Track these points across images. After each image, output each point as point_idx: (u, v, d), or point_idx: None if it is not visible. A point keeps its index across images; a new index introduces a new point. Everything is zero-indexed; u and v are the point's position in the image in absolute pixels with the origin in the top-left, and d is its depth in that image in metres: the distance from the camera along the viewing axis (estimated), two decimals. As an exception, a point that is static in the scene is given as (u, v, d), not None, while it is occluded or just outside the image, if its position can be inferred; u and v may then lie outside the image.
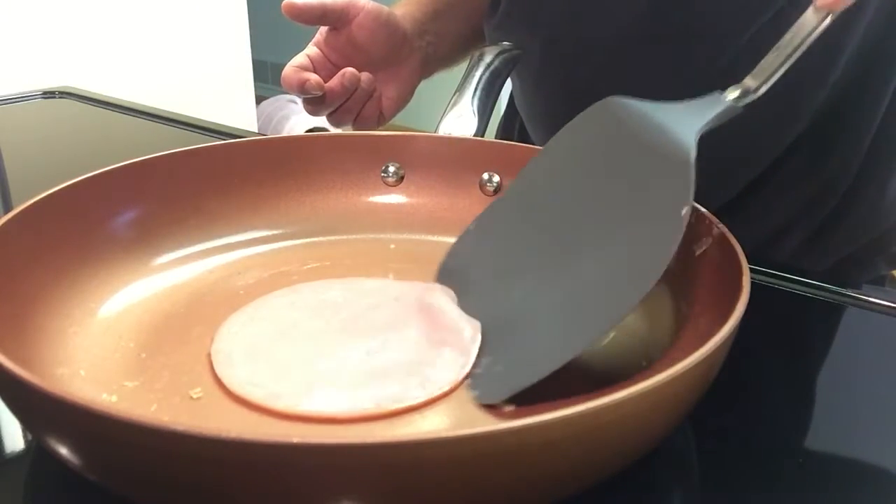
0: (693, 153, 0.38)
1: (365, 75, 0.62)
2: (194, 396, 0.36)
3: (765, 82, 0.41)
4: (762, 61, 0.42)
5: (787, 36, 0.41)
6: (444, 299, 0.43)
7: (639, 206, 0.40)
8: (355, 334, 0.40)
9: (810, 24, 0.40)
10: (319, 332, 0.40)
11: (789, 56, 0.41)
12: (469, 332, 0.40)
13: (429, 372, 0.37)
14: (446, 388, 0.36)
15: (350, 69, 0.61)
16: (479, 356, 0.38)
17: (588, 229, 0.41)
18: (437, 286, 0.44)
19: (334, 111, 0.63)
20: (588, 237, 0.41)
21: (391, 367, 0.37)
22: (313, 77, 0.60)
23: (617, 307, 0.36)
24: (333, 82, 0.60)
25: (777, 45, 0.41)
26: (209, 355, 0.39)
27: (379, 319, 0.41)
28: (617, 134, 0.43)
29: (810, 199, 0.63)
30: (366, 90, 0.63)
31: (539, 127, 0.72)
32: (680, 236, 0.35)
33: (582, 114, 0.45)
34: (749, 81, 0.42)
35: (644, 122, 0.41)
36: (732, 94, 0.42)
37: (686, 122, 0.40)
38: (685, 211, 0.36)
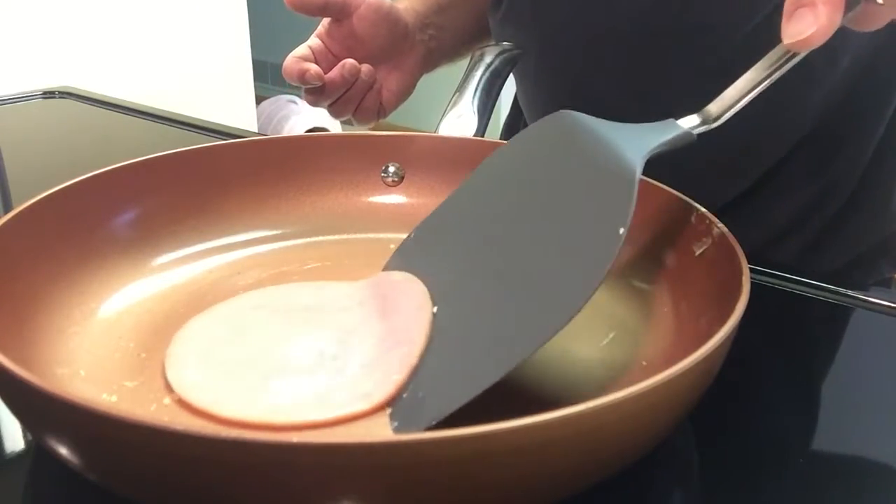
0: (637, 174, 0.37)
1: (365, 67, 0.62)
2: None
3: (725, 111, 0.40)
4: (726, 90, 0.41)
5: (756, 66, 0.40)
6: (406, 300, 0.42)
7: (578, 221, 0.38)
8: (311, 337, 0.39)
9: (778, 57, 0.39)
10: (276, 335, 0.39)
11: (754, 87, 0.40)
12: (413, 342, 0.38)
13: (371, 382, 0.36)
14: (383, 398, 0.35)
15: (350, 60, 0.61)
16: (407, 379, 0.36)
17: (525, 240, 0.40)
18: (403, 279, 0.43)
19: (334, 102, 0.63)
20: (524, 249, 0.40)
21: (344, 371, 0.36)
22: (313, 67, 0.60)
23: (540, 332, 0.34)
24: (333, 73, 0.61)
25: (744, 76, 0.40)
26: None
27: (339, 323, 0.40)
28: (566, 146, 0.42)
29: (815, 200, 0.63)
30: (366, 82, 0.63)
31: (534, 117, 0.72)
32: (613, 258, 0.34)
33: (535, 123, 0.44)
34: (711, 108, 0.41)
35: (594, 138, 0.41)
36: (691, 121, 0.41)
37: (636, 143, 0.39)
38: (622, 231, 0.34)
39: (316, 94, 0.62)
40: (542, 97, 0.70)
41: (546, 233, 0.39)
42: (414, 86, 0.69)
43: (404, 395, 0.35)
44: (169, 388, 0.36)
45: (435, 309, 0.39)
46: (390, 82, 0.66)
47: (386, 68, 0.66)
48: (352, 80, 0.61)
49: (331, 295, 0.43)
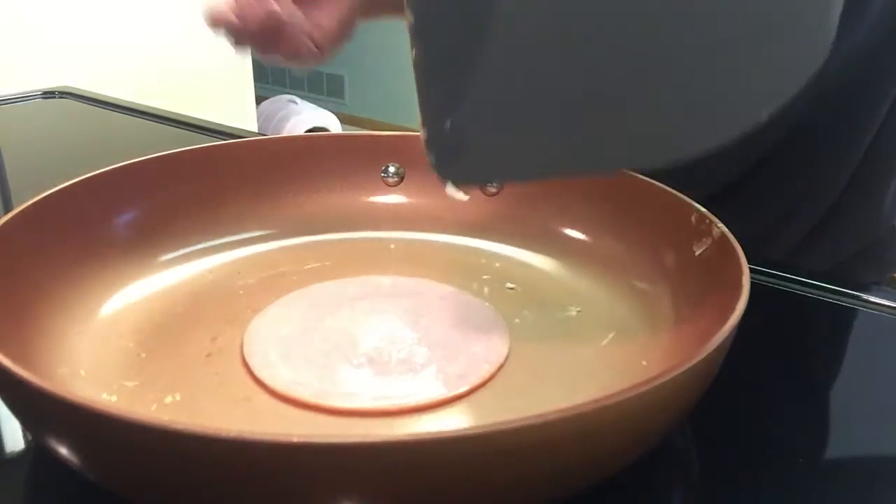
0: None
1: (286, 5, 0.56)
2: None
3: None
4: None
5: None
6: (456, 291, 0.44)
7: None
8: (386, 327, 0.41)
9: None
10: (350, 327, 0.41)
11: None
12: (497, 335, 0.41)
13: (457, 369, 0.37)
14: (474, 384, 0.37)
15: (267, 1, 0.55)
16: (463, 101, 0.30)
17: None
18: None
19: (262, 47, 0.58)
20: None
21: (420, 362, 0.38)
22: (224, 12, 0.55)
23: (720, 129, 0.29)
24: (248, 15, 0.55)
25: None
26: (209, 355, 0.39)
27: (404, 314, 0.42)
28: None
29: (801, 200, 0.63)
30: (286, 22, 0.57)
31: None
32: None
33: None
34: None
35: None
36: None
37: None
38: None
39: (237, 38, 0.56)
40: None
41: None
42: (353, 21, 0.62)
43: (448, 126, 0.30)
44: (170, 388, 0.36)
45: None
46: (321, 18, 0.60)
47: (313, 6, 0.59)
48: (269, 21, 0.55)
49: (387, 285, 0.45)
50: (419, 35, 0.30)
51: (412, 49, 0.31)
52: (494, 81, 0.29)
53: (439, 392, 0.36)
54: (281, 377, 0.37)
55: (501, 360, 0.38)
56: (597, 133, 0.30)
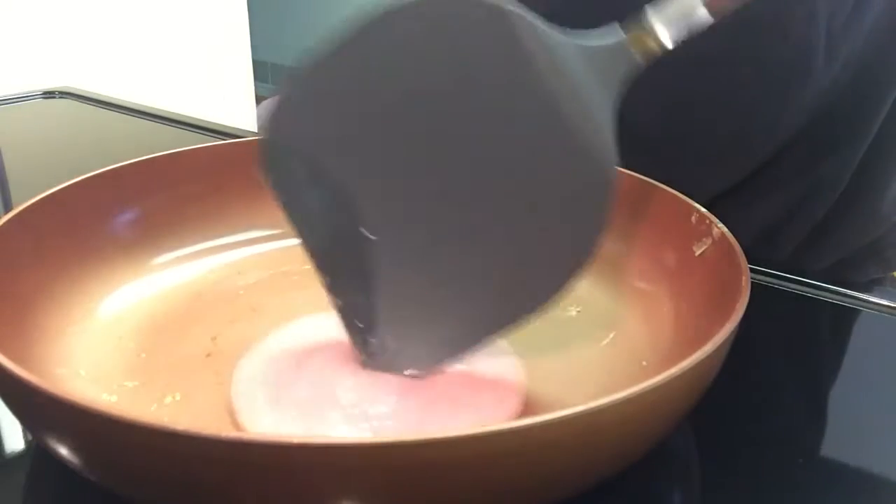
0: (614, 168, 0.33)
1: None
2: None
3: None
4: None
5: None
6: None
7: (545, 192, 0.34)
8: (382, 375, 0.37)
9: None
10: (339, 364, 0.37)
11: None
12: (510, 373, 0.37)
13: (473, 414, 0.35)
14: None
15: None
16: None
17: (481, 188, 0.34)
18: None
19: None
20: (481, 197, 0.34)
21: (418, 418, 0.34)
22: None
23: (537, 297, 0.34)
24: None
25: None
26: (210, 355, 0.39)
27: None
28: (516, 70, 0.32)
29: (803, 199, 0.63)
30: None
31: None
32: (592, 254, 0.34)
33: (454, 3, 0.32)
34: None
35: (560, 69, 0.32)
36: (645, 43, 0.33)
37: (602, 86, 0.33)
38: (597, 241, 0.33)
39: None
40: None
41: (507, 189, 0.34)
42: None
43: (373, 341, 0.36)
44: (170, 388, 0.36)
45: (369, 235, 0.35)
46: None
47: None
48: None
49: None
50: (331, 289, 0.37)
51: (331, 299, 0.37)
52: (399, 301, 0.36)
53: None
54: (264, 426, 0.33)
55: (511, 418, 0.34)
56: (475, 313, 0.36)
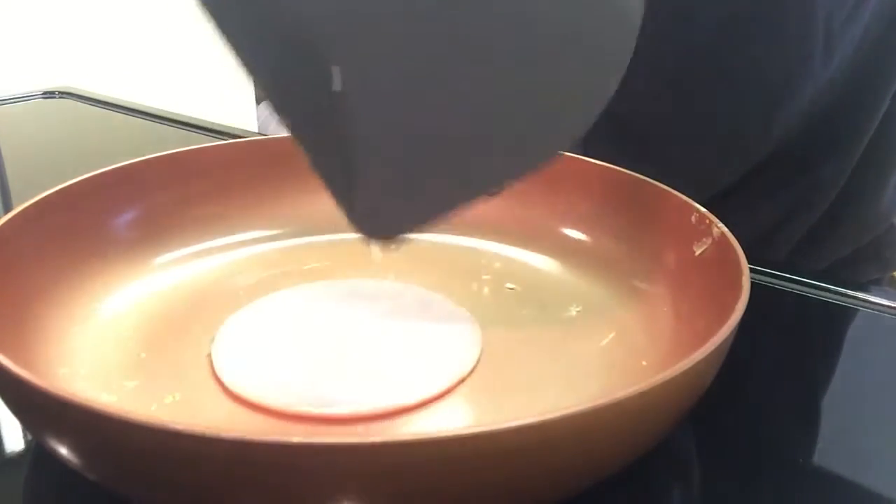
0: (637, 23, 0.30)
1: None
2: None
3: None
4: None
5: None
6: (442, 299, 0.43)
7: (559, 36, 0.31)
8: (355, 331, 0.40)
9: None
10: (320, 331, 0.40)
11: None
12: (468, 332, 0.40)
13: (427, 372, 0.37)
14: (442, 389, 0.36)
15: None
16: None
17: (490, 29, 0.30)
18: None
19: None
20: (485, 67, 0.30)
21: (390, 365, 0.37)
22: None
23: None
24: None
25: None
26: (209, 355, 0.39)
27: (379, 316, 0.41)
28: None
29: (801, 200, 0.63)
30: None
31: None
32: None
33: None
34: None
35: None
36: None
37: None
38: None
39: None
40: None
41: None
42: None
43: (356, 202, 0.33)
44: (170, 388, 0.36)
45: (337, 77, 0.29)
46: None
47: None
48: None
49: (364, 289, 0.45)
50: (297, 140, 0.34)
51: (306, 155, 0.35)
52: (376, 159, 0.32)
53: (392, 402, 0.35)
54: (238, 377, 0.37)
55: (462, 374, 0.37)
56: (467, 166, 0.33)
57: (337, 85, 0.29)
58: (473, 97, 0.31)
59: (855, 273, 0.66)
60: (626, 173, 0.47)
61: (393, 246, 0.35)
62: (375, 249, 0.36)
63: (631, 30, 0.31)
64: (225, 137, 0.78)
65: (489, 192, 0.34)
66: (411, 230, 0.34)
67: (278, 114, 0.33)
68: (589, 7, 0.30)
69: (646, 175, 0.45)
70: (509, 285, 0.46)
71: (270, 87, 0.32)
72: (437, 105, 0.31)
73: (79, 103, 0.94)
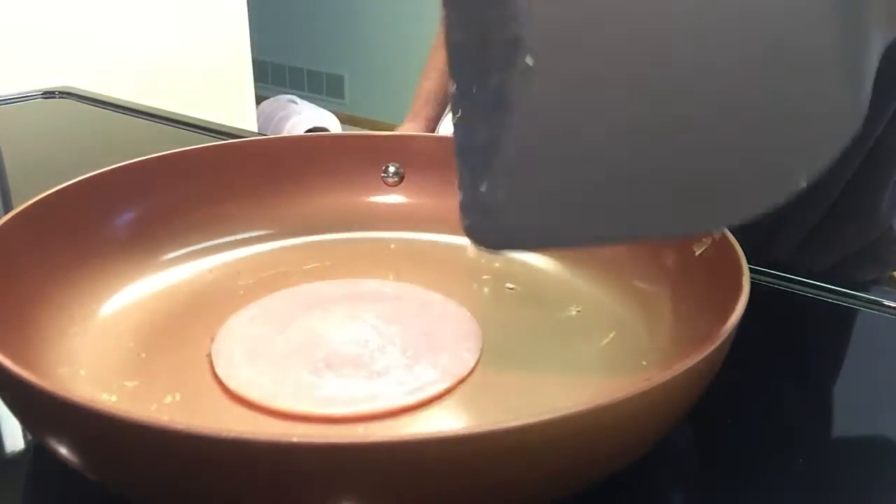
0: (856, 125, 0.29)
1: None
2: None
3: None
4: None
5: None
6: (442, 299, 0.43)
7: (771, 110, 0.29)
8: (355, 331, 0.40)
9: None
10: (319, 330, 0.40)
11: None
12: (468, 332, 0.40)
13: (427, 371, 0.37)
14: (441, 389, 0.36)
15: None
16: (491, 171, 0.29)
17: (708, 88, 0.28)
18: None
19: None
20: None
21: (390, 366, 0.37)
22: None
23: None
24: None
25: None
26: (209, 355, 0.39)
27: (379, 316, 0.41)
28: None
29: (802, 201, 0.63)
30: None
31: None
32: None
33: None
34: None
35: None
36: None
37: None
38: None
39: None
40: None
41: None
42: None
43: (483, 189, 0.29)
44: (170, 388, 0.36)
45: (530, 61, 0.28)
46: None
47: None
48: None
49: (365, 289, 0.45)
50: (459, 101, 0.30)
51: (454, 113, 0.31)
52: (532, 150, 0.29)
53: (391, 402, 0.35)
54: (238, 377, 0.37)
55: (463, 373, 0.37)
56: (634, 202, 0.30)
57: (530, 60, 0.27)
58: (663, 133, 0.28)
59: (854, 273, 0.66)
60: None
61: (492, 253, 0.31)
62: (472, 248, 0.32)
63: (845, 127, 0.30)
64: (225, 137, 0.78)
65: (648, 237, 0.31)
66: (521, 246, 0.31)
67: (452, 75, 0.30)
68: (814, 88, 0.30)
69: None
70: (509, 285, 0.46)
71: (457, 49, 0.30)
72: (624, 128, 0.28)
73: (79, 103, 0.94)
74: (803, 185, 0.30)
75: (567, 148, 0.29)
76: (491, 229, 0.30)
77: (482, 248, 0.31)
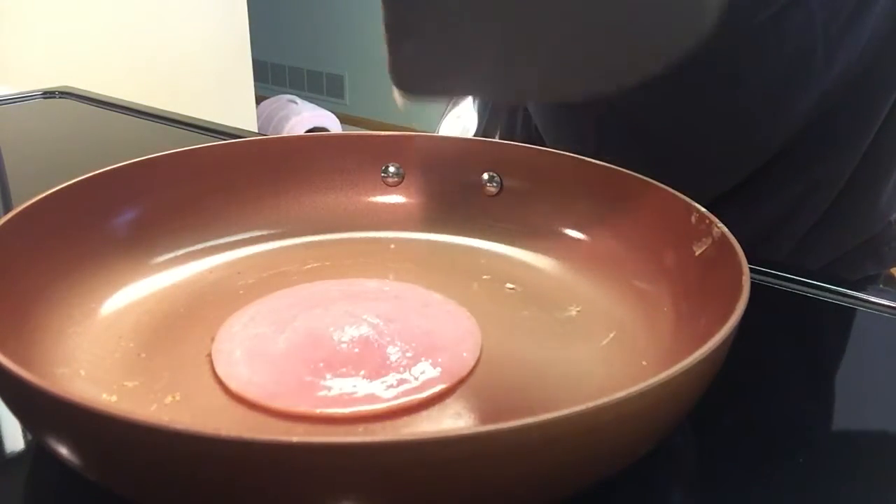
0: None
1: None
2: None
3: None
4: None
5: None
6: (442, 299, 0.43)
7: None
8: (355, 331, 0.40)
9: None
10: (319, 329, 0.40)
11: None
12: (468, 332, 0.40)
13: (427, 371, 0.37)
14: (441, 389, 0.36)
15: None
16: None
17: None
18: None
19: None
20: None
21: (390, 366, 0.37)
22: None
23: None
24: None
25: None
26: (209, 355, 0.39)
27: (379, 316, 0.41)
28: None
29: (802, 199, 0.63)
30: None
31: (540, 116, 0.72)
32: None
33: None
34: None
35: None
36: None
37: None
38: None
39: None
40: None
41: None
42: None
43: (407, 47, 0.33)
44: (170, 388, 0.36)
45: None
46: None
47: None
48: None
49: (365, 289, 0.45)
50: None
51: None
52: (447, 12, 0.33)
53: (391, 402, 0.35)
54: (238, 377, 0.37)
55: (463, 373, 0.37)
56: (533, 61, 0.33)
57: None
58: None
59: (853, 270, 0.67)
60: (626, 173, 0.47)
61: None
62: (398, 96, 0.35)
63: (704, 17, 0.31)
64: (225, 137, 0.78)
65: (528, 96, 0.33)
66: (430, 93, 0.34)
67: None
68: None
69: (651, 176, 0.45)
70: (509, 285, 0.46)
71: None
72: None
73: (79, 103, 0.94)
74: (657, 69, 0.31)
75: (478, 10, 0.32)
76: (404, 83, 0.34)
77: (406, 98, 0.35)
